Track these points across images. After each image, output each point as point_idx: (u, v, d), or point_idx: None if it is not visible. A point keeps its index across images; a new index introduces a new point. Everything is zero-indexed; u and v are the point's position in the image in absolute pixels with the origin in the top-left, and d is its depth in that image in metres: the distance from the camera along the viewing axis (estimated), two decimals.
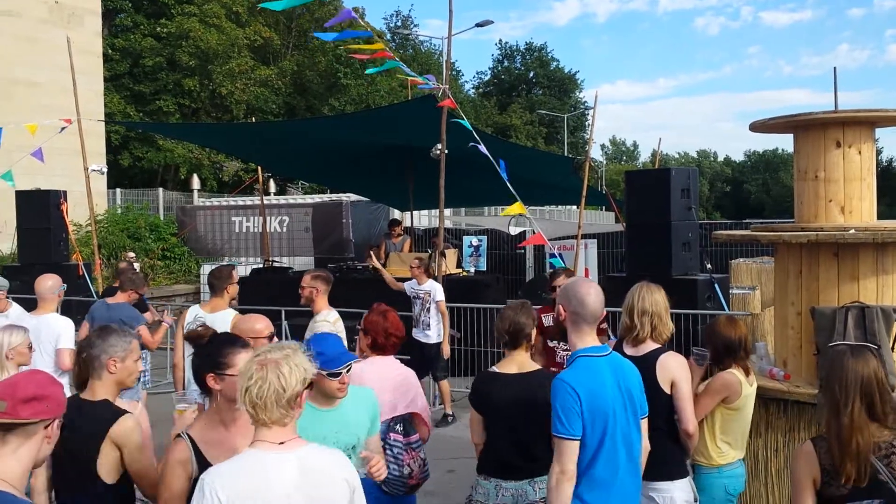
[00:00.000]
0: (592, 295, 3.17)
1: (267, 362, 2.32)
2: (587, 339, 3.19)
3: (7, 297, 6.36)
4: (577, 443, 3.02)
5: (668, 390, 3.71)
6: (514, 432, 3.56)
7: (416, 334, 8.41)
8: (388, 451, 3.78)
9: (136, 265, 15.92)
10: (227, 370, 2.80)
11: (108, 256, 17.24)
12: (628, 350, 3.84)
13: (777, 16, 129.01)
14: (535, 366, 3.77)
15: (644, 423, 3.30)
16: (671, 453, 3.76)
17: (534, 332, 3.79)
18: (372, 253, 10.41)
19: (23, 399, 2.20)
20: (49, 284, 5.76)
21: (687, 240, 8.17)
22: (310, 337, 3.39)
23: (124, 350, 3.24)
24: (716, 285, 8.11)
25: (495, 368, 3.75)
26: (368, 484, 3.83)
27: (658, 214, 8.04)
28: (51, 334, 5.39)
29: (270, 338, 3.82)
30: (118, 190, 23.86)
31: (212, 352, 2.92)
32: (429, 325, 8.42)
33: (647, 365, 3.68)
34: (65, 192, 12.02)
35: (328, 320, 5.32)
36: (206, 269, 17.90)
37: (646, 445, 3.32)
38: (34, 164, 11.78)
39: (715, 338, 4.01)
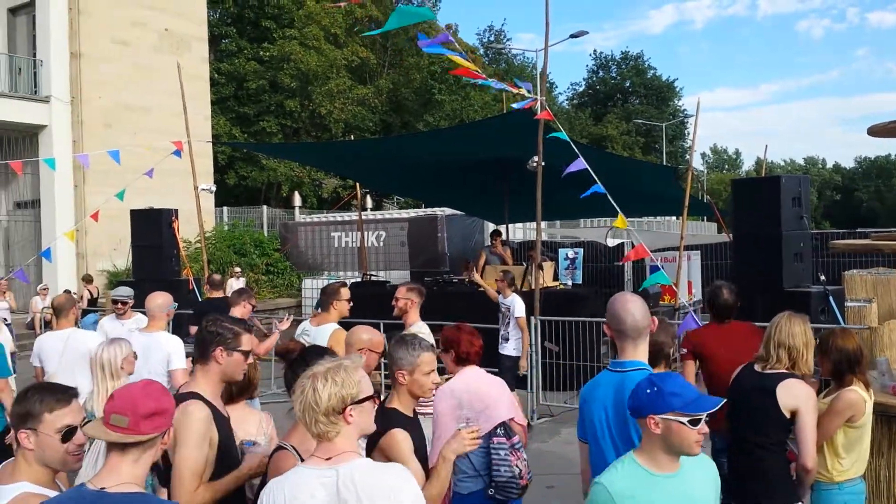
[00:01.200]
0: (630, 310, 3.06)
1: (317, 374, 2.35)
2: (628, 353, 3.09)
3: (131, 309, 6.73)
4: (584, 445, 3.18)
5: (787, 414, 3.57)
6: None
7: (500, 347, 8.47)
8: (495, 455, 3.82)
9: (242, 280, 16.52)
10: None
11: (216, 271, 17.92)
12: (757, 367, 3.76)
13: (884, 16, 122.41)
14: None
15: None
16: (781, 478, 3.61)
17: (672, 350, 3.75)
18: (471, 266, 10.42)
19: (144, 415, 2.25)
20: (159, 302, 5.76)
21: (799, 250, 7.78)
22: (649, 376, 2.85)
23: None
24: (830, 298, 7.68)
25: None
26: (479, 497, 3.85)
27: (768, 224, 7.68)
28: (160, 353, 5.40)
29: (383, 353, 3.89)
30: (225, 208, 24.86)
31: (293, 371, 3.02)
32: (507, 339, 8.48)
33: (769, 383, 3.61)
34: (176, 211, 12.55)
35: (422, 332, 5.33)
36: (308, 283, 18.39)
37: None
38: (147, 185, 12.40)
39: (833, 352, 3.83)
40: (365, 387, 2.37)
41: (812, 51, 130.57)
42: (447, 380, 4.12)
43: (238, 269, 17.16)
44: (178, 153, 11.83)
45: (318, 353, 3.14)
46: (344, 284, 5.83)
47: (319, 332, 5.31)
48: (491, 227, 17.25)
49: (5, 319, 10.72)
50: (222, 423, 3.03)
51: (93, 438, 2.83)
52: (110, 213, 14.48)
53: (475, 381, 4.04)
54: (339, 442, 2.33)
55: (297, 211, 25.20)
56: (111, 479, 2.22)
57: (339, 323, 5.55)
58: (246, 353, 3.15)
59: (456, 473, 3.93)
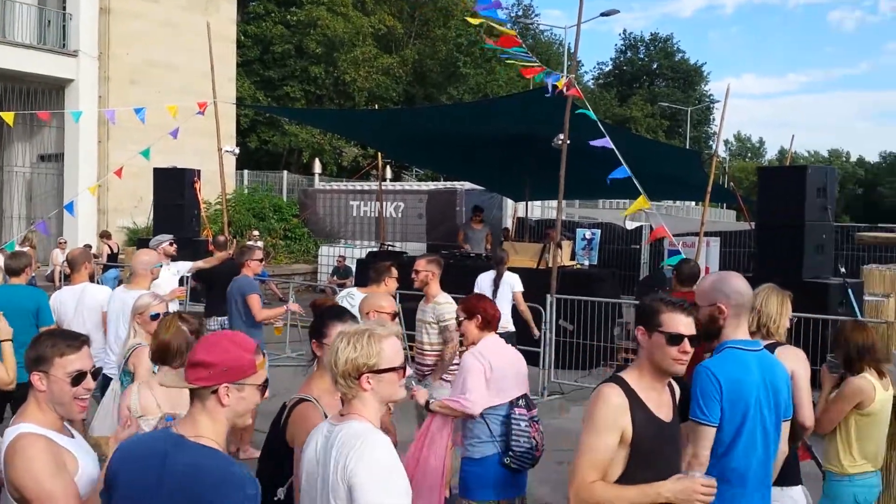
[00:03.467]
0: (747, 284, 3.12)
1: (340, 336, 2.40)
2: (740, 332, 3.10)
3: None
4: (713, 429, 2.95)
5: None
6: None
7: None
8: (516, 426, 3.93)
9: (260, 243, 16.62)
10: (325, 339, 3.03)
11: (235, 234, 18.03)
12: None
13: None
14: None
15: (785, 426, 3.16)
16: (788, 455, 3.60)
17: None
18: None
19: (192, 363, 2.26)
20: (144, 259, 5.76)
21: (821, 242, 7.76)
22: None
23: None
24: (849, 290, 7.64)
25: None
26: (494, 462, 3.93)
27: (792, 214, 7.65)
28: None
29: (394, 316, 4.02)
30: (245, 171, 24.93)
31: (317, 322, 3.20)
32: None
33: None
34: (199, 171, 12.61)
35: (451, 302, 5.39)
36: (324, 250, 18.49)
37: (783, 449, 3.19)
38: (170, 144, 12.45)
39: (845, 343, 3.89)
40: (387, 357, 2.35)
41: (842, 42, 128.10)
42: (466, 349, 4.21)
43: (256, 233, 17.27)
44: (200, 112, 11.88)
45: (335, 312, 3.29)
46: (393, 265, 5.91)
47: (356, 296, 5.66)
48: (510, 203, 17.26)
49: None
50: None
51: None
52: (132, 171, 14.57)
53: (502, 348, 4.17)
54: (356, 405, 2.36)
55: (316, 178, 25.23)
56: (189, 427, 2.24)
57: None
58: None
59: (468, 438, 4.01)
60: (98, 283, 8.71)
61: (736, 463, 2.99)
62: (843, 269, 8.09)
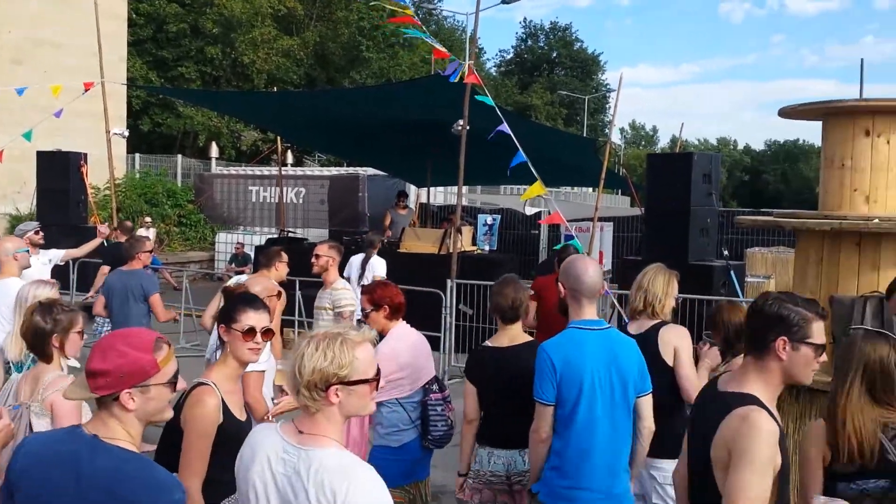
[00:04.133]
0: (590, 271, 3.26)
1: (309, 340, 2.12)
2: (584, 313, 3.27)
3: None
4: (550, 408, 3.18)
5: (671, 362, 3.80)
6: (505, 403, 3.67)
7: None
8: (433, 412, 3.98)
9: (152, 230, 16.05)
10: (234, 324, 2.99)
11: (126, 219, 17.32)
12: (632, 329, 3.94)
13: (803, 4, 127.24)
14: (527, 338, 3.89)
15: (645, 401, 3.31)
16: (673, 430, 3.74)
17: (531, 306, 3.92)
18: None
19: (89, 372, 2.14)
20: (7, 246, 5.49)
21: (706, 226, 8.12)
22: None
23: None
24: (731, 272, 8.06)
25: (488, 343, 3.89)
26: (415, 445, 3.98)
27: (678, 199, 7.98)
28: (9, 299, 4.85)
29: (278, 295, 4.25)
30: (137, 155, 23.95)
31: (227, 307, 3.19)
32: None
33: (649, 340, 3.79)
34: (85, 155, 12.07)
35: (348, 288, 5.37)
36: (222, 237, 18.02)
37: (649, 425, 3.34)
38: (56, 126, 11.84)
39: (723, 325, 4.06)
40: (361, 367, 2.10)
41: (732, 34, 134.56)
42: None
43: (149, 220, 16.64)
44: (85, 92, 11.33)
45: (245, 298, 3.26)
46: (282, 250, 5.82)
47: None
48: (412, 188, 17.30)
49: None
50: None
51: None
52: (14, 154, 13.68)
53: (411, 335, 4.15)
54: (320, 421, 2.10)
55: (213, 162, 24.49)
56: (101, 429, 2.13)
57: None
58: None
59: (385, 427, 3.98)
60: None
61: (576, 441, 3.15)
62: (725, 252, 8.52)
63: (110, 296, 6.30)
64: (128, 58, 23.60)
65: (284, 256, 5.69)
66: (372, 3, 8.24)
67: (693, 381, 3.77)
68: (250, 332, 2.96)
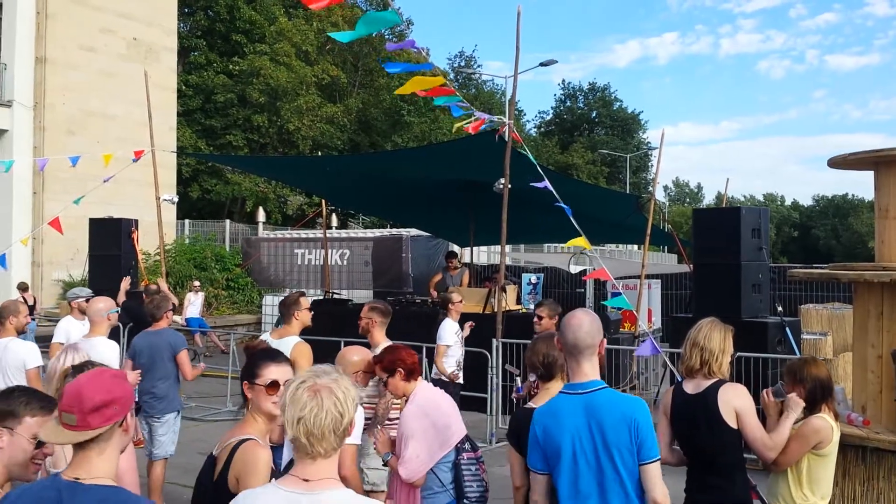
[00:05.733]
0: (585, 325, 3.00)
1: (319, 388, 2.13)
2: (578, 373, 3.02)
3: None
4: (542, 477, 3.02)
5: (733, 424, 3.58)
6: None
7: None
8: (467, 471, 3.86)
9: (201, 294, 16.28)
10: (257, 380, 2.96)
11: (175, 285, 17.63)
12: (688, 388, 3.74)
13: (843, 59, 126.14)
14: None
15: (649, 469, 2.89)
16: (734, 494, 3.58)
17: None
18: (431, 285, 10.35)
19: (90, 409, 2.17)
20: (100, 307, 5.68)
21: (757, 281, 7.92)
22: None
23: None
24: (787, 329, 7.82)
25: (531, 404, 3.66)
26: None
27: (728, 254, 7.81)
28: (97, 358, 5.30)
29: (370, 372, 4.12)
30: (187, 221, 24.54)
31: (249, 363, 3.09)
32: None
33: (708, 400, 3.61)
34: (136, 221, 12.35)
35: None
36: (269, 299, 18.19)
37: (654, 497, 2.87)
38: (108, 194, 12.20)
39: (808, 380, 3.83)
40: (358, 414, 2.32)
41: (772, 90, 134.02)
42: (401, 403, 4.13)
43: (197, 284, 16.92)
44: (135, 160, 11.68)
45: (267, 353, 3.20)
46: (303, 294, 5.76)
47: (281, 344, 5.12)
48: (455, 248, 17.33)
49: None
50: None
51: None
52: (69, 223, 14.12)
53: (436, 395, 4.07)
54: (322, 464, 2.15)
55: (260, 226, 24.97)
56: (83, 471, 2.17)
57: (302, 336, 5.48)
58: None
59: (423, 490, 3.90)
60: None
61: None
62: (779, 308, 8.27)
63: (137, 356, 6.19)
64: (177, 127, 24.41)
65: (304, 303, 5.50)
66: (400, 92, 8.30)
67: (766, 441, 3.62)
68: (273, 386, 2.93)
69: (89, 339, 5.57)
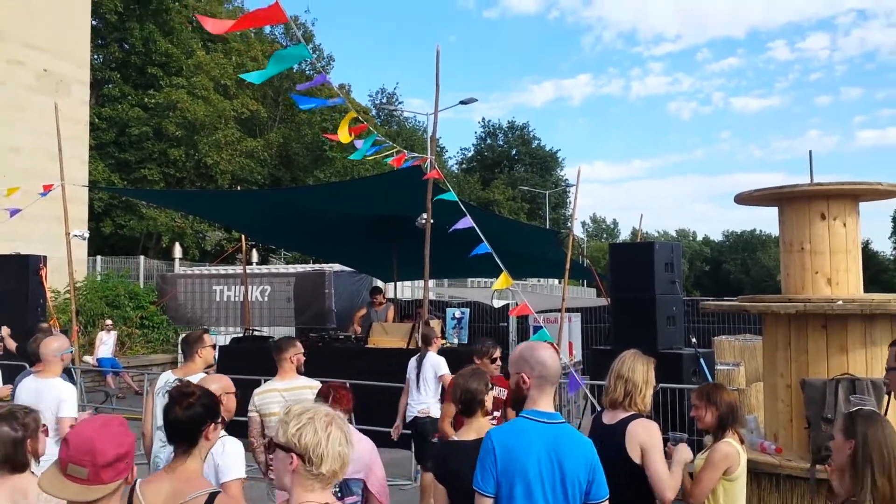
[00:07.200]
0: (554, 357, 3.11)
1: (332, 419, 2.20)
2: (541, 403, 3.06)
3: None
4: (488, 500, 2.95)
5: (637, 459, 3.59)
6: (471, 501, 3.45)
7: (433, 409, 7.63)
8: None
9: (114, 333, 15.68)
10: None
11: (86, 324, 16.95)
12: (605, 418, 3.79)
13: (747, 101, 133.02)
14: None
15: None
16: None
17: (488, 398, 3.77)
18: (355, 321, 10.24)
19: (104, 463, 2.07)
20: (54, 346, 5.38)
21: (672, 314, 8.16)
22: None
23: None
24: (701, 360, 8.06)
25: (454, 437, 3.70)
26: None
27: (643, 288, 8.04)
28: (52, 400, 5.04)
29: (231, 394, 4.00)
30: (98, 257, 23.67)
31: (207, 402, 2.89)
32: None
33: (617, 433, 3.64)
34: (44, 258, 11.87)
35: (310, 386, 5.21)
36: None
37: None
38: (14, 230, 11.68)
39: (721, 403, 3.92)
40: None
41: (681, 131, 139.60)
42: None
43: (109, 322, 16.28)
44: (44, 194, 11.25)
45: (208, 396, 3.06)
46: (206, 331, 5.61)
47: None
48: (380, 283, 17.25)
49: None
50: None
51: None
52: None
53: (363, 440, 3.96)
54: (317, 487, 2.19)
55: (177, 263, 24.28)
56: None
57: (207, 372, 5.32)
58: None
59: None
60: None
61: None
62: (693, 340, 8.53)
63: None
64: (90, 161, 23.65)
65: (206, 339, 5.35)
66: (333, 138, 8.19)
67: (665, 479, 3.58)
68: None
69: (46, 379, 5.24)
